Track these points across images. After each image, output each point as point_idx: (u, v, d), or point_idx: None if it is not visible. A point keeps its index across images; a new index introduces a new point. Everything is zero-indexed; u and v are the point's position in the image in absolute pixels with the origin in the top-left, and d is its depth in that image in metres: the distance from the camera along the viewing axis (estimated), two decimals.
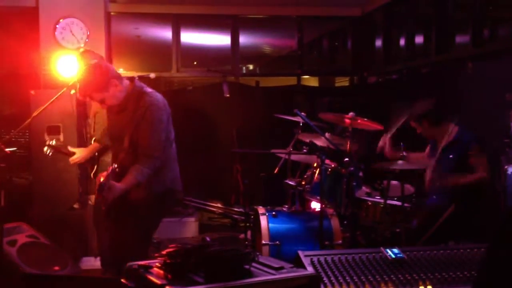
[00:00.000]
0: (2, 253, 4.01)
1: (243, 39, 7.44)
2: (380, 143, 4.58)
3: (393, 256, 2.84)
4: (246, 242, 4.66)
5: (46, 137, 4.17)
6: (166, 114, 3.46)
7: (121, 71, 7.35)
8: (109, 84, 3.32)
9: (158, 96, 3.47)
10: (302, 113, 4.28)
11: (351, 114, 4.24)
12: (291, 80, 7.49)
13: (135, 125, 3.37)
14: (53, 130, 5.45)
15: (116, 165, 3.31)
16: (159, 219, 3.65)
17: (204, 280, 2.13)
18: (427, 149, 4.47)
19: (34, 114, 4.32)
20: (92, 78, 3.33)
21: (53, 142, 4.54)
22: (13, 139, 5.50)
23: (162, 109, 3.42)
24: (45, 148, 4.48)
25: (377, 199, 4.25)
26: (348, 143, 4.25)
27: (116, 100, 3.41)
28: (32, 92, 5.54)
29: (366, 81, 7.31)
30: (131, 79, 3.52)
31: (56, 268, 4.50)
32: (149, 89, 3.48)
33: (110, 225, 3.65)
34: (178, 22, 7.04)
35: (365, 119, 4.27)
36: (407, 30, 6.49)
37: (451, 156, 4.15)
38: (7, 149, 3.98)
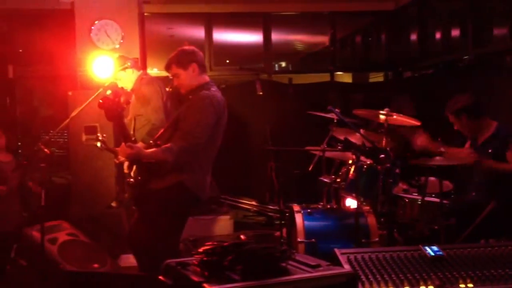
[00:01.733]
0: (44, 250, 4.10)
1: (275, 36, 7.42)
2: (418, 139, 4.50)
3: (432, 253, 2.78)
4: (282, 240, 4.65)
5: (98, 133, 4.18)
6: (217, 113, 3.49)
7: (155, 71, 7.45)
8: (189, 65, 3.54)
9: (217, 95, 3.54)
10: (336, 110, 4.24)
11: (386, 109, 4.18)
12: (324, 77, 7.44)
13: (183, 115, 3.47)
14: (91, 130, 5.53)
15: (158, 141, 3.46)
16: (176, 217, 3.61)
17: (241, 278, 2.13)
18: (466, 145, 4.37)
19: (72, 114, 4.40)
20: (178, 52, 3.61)
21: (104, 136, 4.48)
22: (52, 140, 5.62)
23: (214, 106, 3.46)
24: (98, 144, 4.43)
25: (415, 196, 4.19)
26: (384, 139, 4.19)
27: (188, 83, 3.57)
28: (70, 93, 5.65)
29: (401, 76, 7.20)
30: (208, 80, 3.64)
31: (96, 265, 4.58)
32: (214, 89, 3.57)
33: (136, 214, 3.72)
34: (211, 21, 7.08)
35: (401, 115, 4.21)
36: (442, 23, 6.36)
37: (490, 151, 4.06)
38: (46, 149, 4.06)
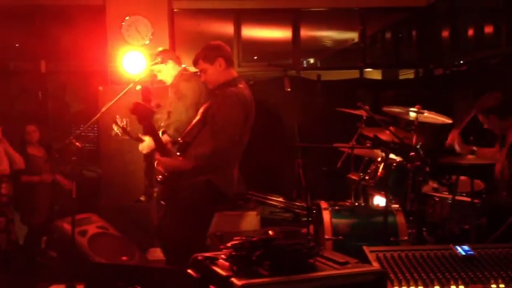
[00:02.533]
0: (74, 242, 4.17)
1: (304, 32, 7.39)
2: (449, 139, 4.42)
3: (463, 253, 2.74)
4: (309, 237, 4.63)
5: (117, 119, 4.23)
6: (244, 110, 3.47)
7: (184, 67, 7.49)
8: (215, 60, 3.55)
9: (245, 92, 3.52)
10: (366, 107, 4.20)
11: (417, 107, 4.13)
12: (353, 74, 7.37)
13: (212, 114, 3.45)
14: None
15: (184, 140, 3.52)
16: (203, 213, 3.62)
17: (269, 273, 2.13)
18: (497, 144, 4.29)
19: (103, 109, 4.45)
20: (205, 47, 3.63)
21: (124, 123, 4.54)
22: (83, 134, 5.71)
23: (242, 103, 3.45)
24: (114, 128, 4.46)
25: (445, 194, 4.12)
26: (414, 137, 4.14)
27: (215, 78, 3.58)
28: (100, 88, 5.74)
29: (432, 73, 7.10)
30: (236, 75, 3.64)
31: (124, 258, 4.64)
32: (241, 85, 3.55)
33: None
34: (240, 17, 7.08)
35: (432, 112, 4.15)
36: (475, 19, 6.24)
37: None
38: (77, 143, 4.12)
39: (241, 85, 3.56)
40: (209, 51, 3.59)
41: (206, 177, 3.49)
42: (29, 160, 5.41)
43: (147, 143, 4.47)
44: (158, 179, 3.57)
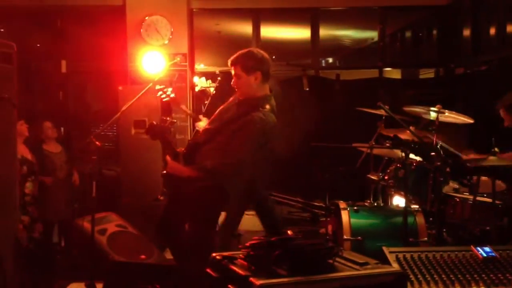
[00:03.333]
0: (94, 241, 4.21)
1: (323, 32, 7.36)
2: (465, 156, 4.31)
3: (485, 254, 2.70)
4: (327, 237, 4.61)
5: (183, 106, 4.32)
6: (265, 137, 3.42)
7: (202, 66, 7.52)
8: (253, 72, 3.42)
9: (268, 118, 3.41)
10: (386, 106, 4.16)
11: (438, 106, 4.08)
12: (373, 73, 7.32)
13: (232, 130, 3.39)
14: (140, 124, 5.67)
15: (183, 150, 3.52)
16: (210, 211, 3.58)
17: (288, 273, 2.12)
18: None
19: (123, 108, 4.48)
20: (248, 55, 3.47)
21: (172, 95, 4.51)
22: (102, 133, 5.76)
23: (261, 131, 3.37)
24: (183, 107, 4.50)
25: (466, 195, 4.07)
26: (435, 137, 4.09)
27: (247, 90, 3.46)
28: (120, 87, 5.78)
29: (453, 72, 7.02)
30: (268, 93, 3.53)
31: (143, 256, 4.65)
32: (267, 107, 3.44)
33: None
34: (258, 17, 7.08)
35: (453, 112, 4.10)
36: (497, 18, 6.15)
37: None
38: (97, 142, 4.15)
39: (268, 106, 3.44)
40: (250, 61, 3.44)
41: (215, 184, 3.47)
42: (44, 156, 5.45)
43: (203, 123, 4.34)
44: (163, 173, 3.59)
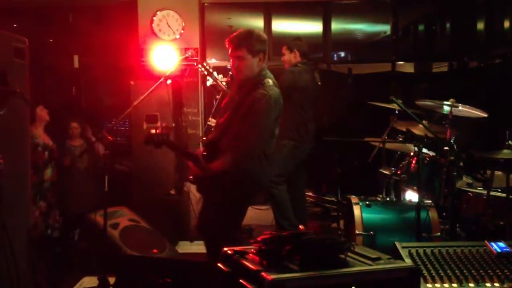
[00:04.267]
0: (106, 235, 4.23)
1: (335, 25, 7.31)
2: None
3: (499, 250, 2.68)
4: (339, 232, 4.60)
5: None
6: (276, 112, 3.43)
7: (214, 61, 7.50)
8: (257, 53, 3.45)
9: (274, 91, 3.43)
10: (399, 101, 4.13)
11: (451, 100, 4.04)
12: (385, 67, 7.26)
13: (241, 113, 3.40)
14: (151, 119, 5.68)
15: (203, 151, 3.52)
16: (238, 202, 3.61)
17: (299, 268, 2.11)
18: None
19: (135, 103, 4.50)
20: (253, 36, 3.47)
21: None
22: (115, 128, 5.78)
23: (272, 106, 3.38)
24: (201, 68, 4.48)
25: (480, 190, 4.03)
26: (448, 131, 4.05)
27: (248, 71, 3.47)
28: (132, 82, 5.79)
29: (467, 66, 6.94)
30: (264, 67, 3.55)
31: (155, 251, 4.68)
32: (271, 82, 3.47)
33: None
34: (270, 11, 7.04)
35: (467, 106, 4.05)
36: (511, 11, 6.07)
37: None
38: (110, 137, 4.17)
39: (269, 81, 3.46)
40: (256, 43, 3.46)
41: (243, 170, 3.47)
42: (66, 149, 5.73)
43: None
44: (190, 179, 3.61)
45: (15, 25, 6.98)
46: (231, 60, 3.55)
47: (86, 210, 4.88)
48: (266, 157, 3.53)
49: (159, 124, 3.67)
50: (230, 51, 3.52)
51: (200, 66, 4.37)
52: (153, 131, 3.50)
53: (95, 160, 5.71)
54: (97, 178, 5.54)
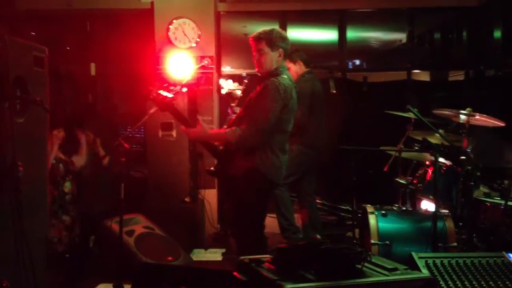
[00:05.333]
0: (122, 242, 4.25)
1: (350, 33, 7.31)
2: None
3: None
4: (354, 241, 4.57)
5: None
6: (283, 99, 3.51)
7: (229, 69, 7.54)
8: (277, 48, 3.61)
9: (284, 81, 3.56)
10: (415, 109, 4.11)
11: (468, 109, 4.01)
12: (401, 75, 7.24)
13: (253, 103, 3.56)
14: (167, 127, 5.71)
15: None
16: (256, 202, 3.65)
17: (316, 278, 2.11)
18: None
19: (151, 111, 4.52)
20: (274, 32, 3.65)
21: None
22: (130, 135, 5.83)
23: (279, 92, 3.49)
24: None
25: (497, 200, 3.99)
26: (465, 140, 4.02)
27: (268, 64, 3.62)
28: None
29: (484, 74, 6.89)
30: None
31: (170, 258, 4.69)
32: (284, 75, 3.61)
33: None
34: (285, 19, 7.06)
35: (484, 115, 4.02)
36: None
37: None
38: (126, 144, 4.20)
39: (284, 76, 3.60)
40: (277, 38, 3.62)
41: (253, 165, 3.54)
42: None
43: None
44: (209, 170, 3.69)
45: (33, 33, 7.08)
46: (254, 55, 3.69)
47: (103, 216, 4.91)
48: (273, 153, 3.58)
49: (174, 88, 3.83)
50: (253, 47, 3.69)
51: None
52: (165, 93, 3.72)
53: (100, 168, 5.71)
54: (105, 184, 5.60)
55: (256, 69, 3.73)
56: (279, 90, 3.49)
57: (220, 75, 6.69)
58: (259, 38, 3.62)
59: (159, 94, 3.71)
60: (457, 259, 2.69)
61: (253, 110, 3.53)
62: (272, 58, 3.61)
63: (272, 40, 3.60)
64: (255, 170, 3.54)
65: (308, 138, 5.31)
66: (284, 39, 3.66)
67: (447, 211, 4.06)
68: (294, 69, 5.41)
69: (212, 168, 3.74)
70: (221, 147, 3.68)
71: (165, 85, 3.94)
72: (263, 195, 3.72)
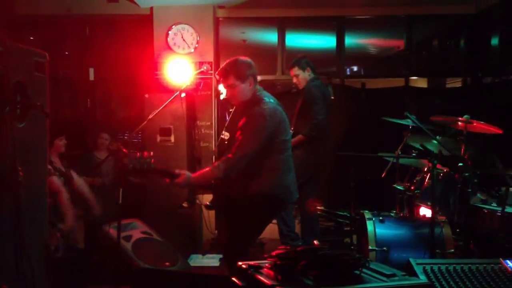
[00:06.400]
0: (119, 247, 4.24)
1: (348, 40, 7.34)
2: None
3: None
4: (352, 247, 4.58)
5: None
6: (273, 125, 3.49)
7: None
8: (247, 79, 3.57)
9: (270, 106, 3.52)
10: (413, 116, 4.13)
11: (466, 116, 4.03)
12: (399, 82, 7.27)
13: (239, 129, 3.54)
14: (165, 132, 5.72)
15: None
16: (259, 221, 3.64)
17: (314, 283, 2.12)
18: None
19: (150, 116, 4.54)
20: (238, 64, 3.61)
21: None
22: (129, 140, 5.84)
23: (267, 120, 3.47)
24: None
25: (494, 206, 4.00)
26: (462, 147, 4.04)
27: (242, 96, 3.61)
28: (146, 95, 5.85)
29: (481, 81, 6.93)
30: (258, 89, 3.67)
31: (167, 263, 4.69)
32: (266, 99, 3.57)
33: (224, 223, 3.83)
34: (284, 25, 7.09)
35: (481, 122, 4.04)
36: None
37: None
38: (124, 149, 4.20)
39: (265, 100, 3.55)
40: (242, 69, 3.58)
41: (260, 187, 3.51)
42: (93, 161, 5.90)
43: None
44: (207, 204, 3.70)
45: (31, 38, 7.10)
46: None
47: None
48: (282, 172, 3.56)
49: (138, 154, 3.73)
50: (221, 83, 3.69)
51: None
52: (130, 165, 3.66)
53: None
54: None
55: (232, 102, 3.75)
56: (265, 117, 3.46)
57: (219, 81, 6.71)
58: (226, 73, 3.58)
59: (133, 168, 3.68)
60: (454, 265, 2.70)
61: (240, 140, 3.48)
62: (245, 89, 3.57)
63: (239, 72, 3.55)
64: (267, 193, 3.51)
65: (328, 141, 5.42)
66: (250, 66, 3.62)
67: (444, 217, 4.07)
68: (303, 76, 5.45)
69: (207, 203, 3.73)
70: (212, 181, 3.66)
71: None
72: (273, 215, 3.73)
